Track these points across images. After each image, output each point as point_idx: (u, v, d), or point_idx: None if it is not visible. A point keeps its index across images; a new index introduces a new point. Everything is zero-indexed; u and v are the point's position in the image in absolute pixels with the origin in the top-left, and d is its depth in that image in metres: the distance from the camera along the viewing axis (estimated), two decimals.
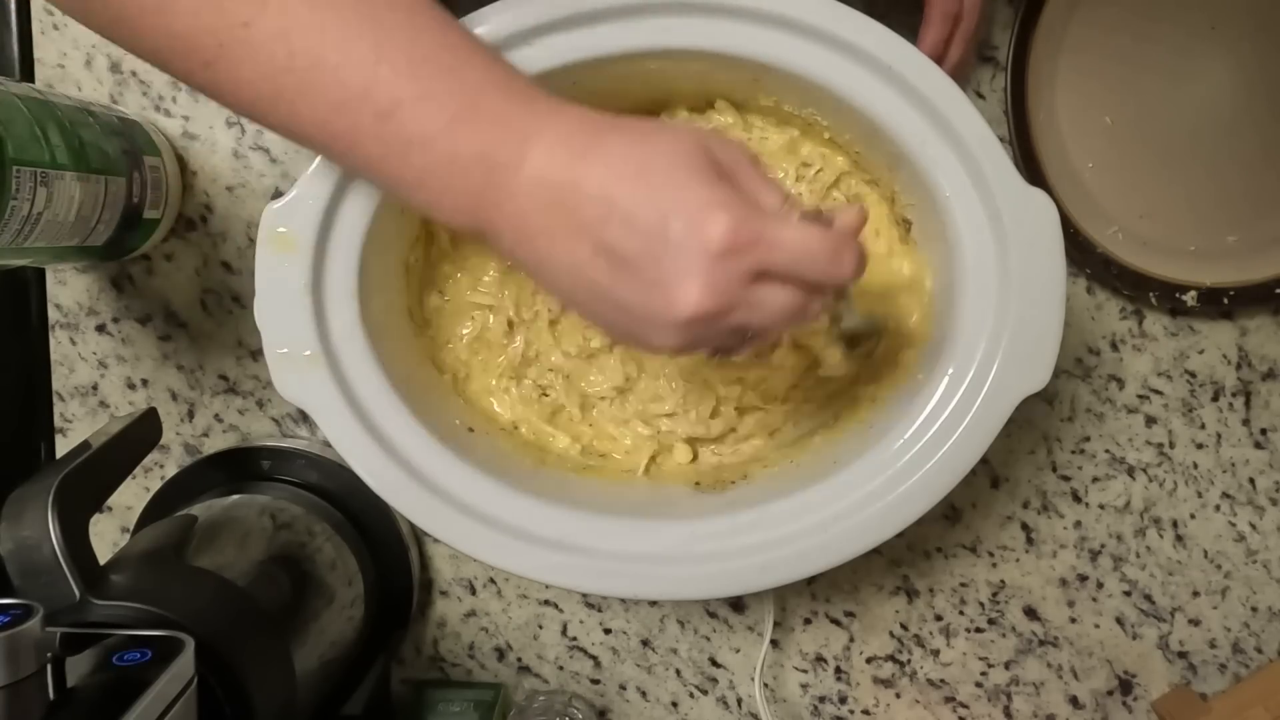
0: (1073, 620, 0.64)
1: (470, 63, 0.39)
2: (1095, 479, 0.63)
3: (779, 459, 0.54)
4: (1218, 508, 0.63)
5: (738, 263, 0.36)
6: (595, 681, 0.65)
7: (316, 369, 0.47)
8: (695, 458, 0.55)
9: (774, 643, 0.64)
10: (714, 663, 0.65)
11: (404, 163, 0.38)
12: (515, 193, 0.38)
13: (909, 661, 0.65)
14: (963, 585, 0.64)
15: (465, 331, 0.55)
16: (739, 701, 0.65)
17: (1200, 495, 0.63)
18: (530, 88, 0.40)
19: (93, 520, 0.45)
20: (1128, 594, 0.64)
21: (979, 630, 0.64)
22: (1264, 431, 0.62)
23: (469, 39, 0.40)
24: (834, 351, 0.52)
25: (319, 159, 0.46)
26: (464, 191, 0.38)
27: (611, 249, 0.37)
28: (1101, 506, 0.63)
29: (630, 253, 0.36)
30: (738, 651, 0.65)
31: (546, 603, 0.64)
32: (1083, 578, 0.64)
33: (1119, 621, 0.64)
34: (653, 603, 0.64)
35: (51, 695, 0.37)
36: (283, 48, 0.37)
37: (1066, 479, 0.63)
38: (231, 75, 0.38)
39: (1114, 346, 0.62)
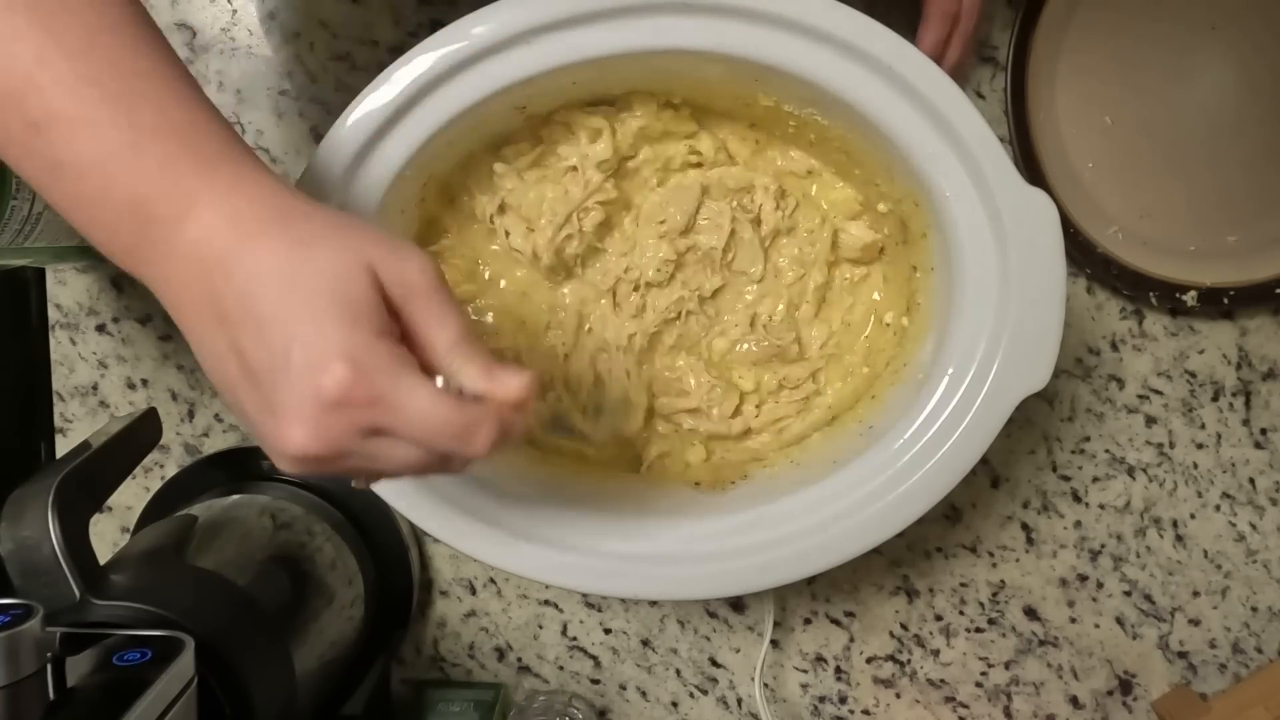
0: (1073, 620, 0.64)
1: (153, 99, 0.36)
2: (1095, 479, 0.63)
3: (779, 459, 0.54)
4: (1218, 508, 0.63)
5: (346, 417, 0.33)
6: (595, 681, 0.65)
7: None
8: (708, 457, 0.55)
9: (774, 643, 0.64)
10: (714, 663, 0.65)
11: (54, 184, 0.36)
12: (169, 256, 0.35)
13: (909, 661, 0.65)
14: (963, 585, 0.64)
15: None
16: (739, 701, 0.65)
17: (1200, 495, 0.63)
18: (222, 145, 0.36)
19: (93, 520, 0.45)
20: (1128, 594, 0.64)
21: (979, 630, 0.64)
22: (1264, 431, 0.62)
23: (171, 76, 0.37)
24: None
25: (318, 158, 0.46)
26: (116, 234, 0.36)
27: (242, 354, 0.34)
28: (1101, 506, 0.63)
29: (256, 365, 0.34)
30: (738, 651, 0.65)
31: (546, 603, 0.64)
32: (1083, 578, 0.64)
33: (1119, 621, 0.64)
34: (653, 603, 0.64)
35: (51, 695, 0.37)
36: None
37: (1066, 479, 0.63)
38: None
39: (1114, 346, 0.62)
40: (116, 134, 0.35)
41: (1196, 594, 0.64)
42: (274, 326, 0.34)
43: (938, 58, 0.54)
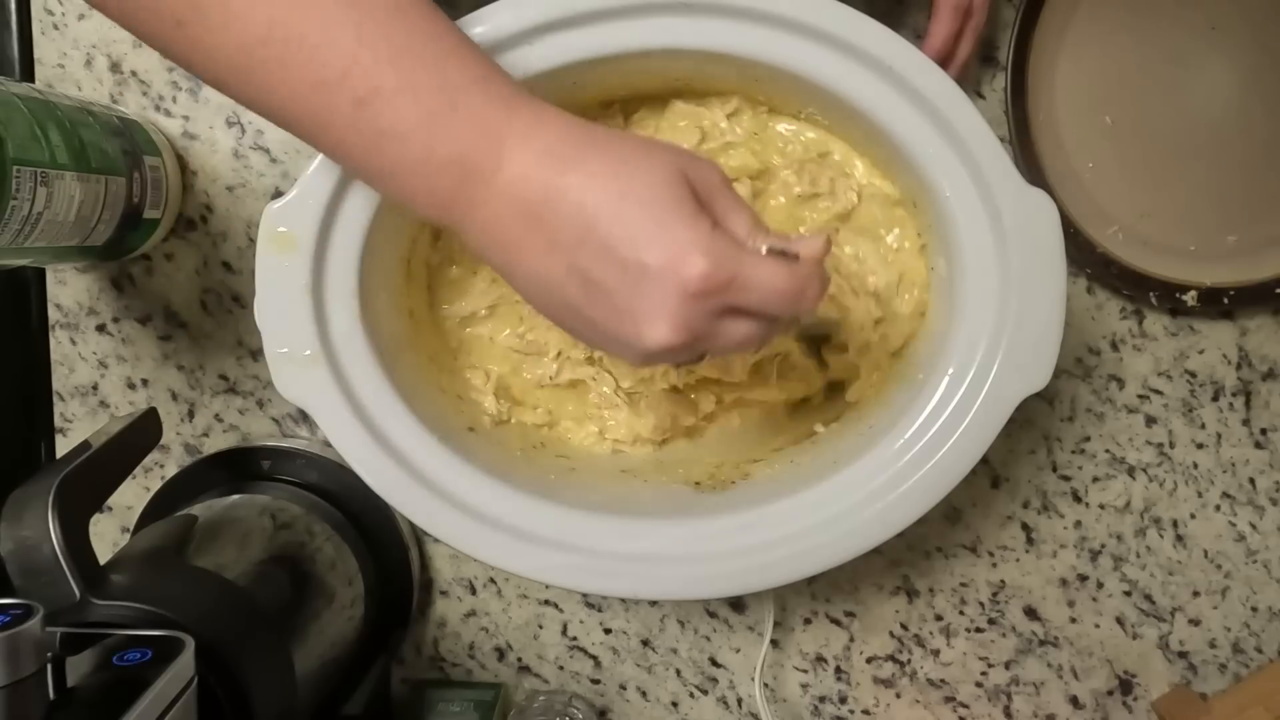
0: (1073, 620, 0.64)
1: (454, 57, 0.38)
2: (1095, 479, 0.63)
3: (779, 459, 0.54)
4: (1218, 508, 0.63)
5: (709, 303, 0.37)
6: (595, 681, 0.65)
7: (316, 369, 0.47)
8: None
9: (774, 643, 0.64)
10: (714, 663, 0.65)
11: (378, 153, 0.38)
12: (489, 199, 0.38)
13: (909, 661, 0.65)
14: (963, 585, 0.64)
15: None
16: (739, 701, 0.65)
17: (1200, 495, 0.63)
18: (513, 89, 0.39)
19: (93, 520, 0.45)
20: (1128, 594, 0.64)
21: (979, 630, 0.64)
22: (1264, 431, 0.62)
23: (454, 33, 0.39)
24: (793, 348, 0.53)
25: (320, 158, 0.46)
26: (437, 190, 0.38)
27: (586, 273, 0.37)
28: (1101, 506, 0.63)
29: (604, 280, 0.37)
30: (738, 651, 0.65)
31: (546, 603, 0.64)
32: (1083, 578, 0.64)
33: (1119, 621, 0.64)
34: (653, 603, 0.64)
35: (51, 695, 0.37)
36: (263, 16, 0.36)
37: (1066, 479, 0.63)
38: (205, 40, 0.37)
39: (1114, 346, 0.62)
40: (434, 97, 0.37)
41: (1196, 594, 0.64)
42: (621, 240, 0.36)
43: (949, 53, 0.54)
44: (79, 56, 0.60)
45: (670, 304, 0.36)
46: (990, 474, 0.63)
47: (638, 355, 0.38)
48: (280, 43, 0.36)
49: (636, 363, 0.39)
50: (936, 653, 0.65)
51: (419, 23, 0.38)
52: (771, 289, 0.38)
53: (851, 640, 0.65)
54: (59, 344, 0.63)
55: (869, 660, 0.65)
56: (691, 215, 0.37)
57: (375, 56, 0.36)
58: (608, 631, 0.65)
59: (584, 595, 0.64)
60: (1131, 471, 0.63)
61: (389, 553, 0.61)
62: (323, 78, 0.37)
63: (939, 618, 0.64)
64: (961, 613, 0.64)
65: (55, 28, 0.60)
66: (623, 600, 0.64)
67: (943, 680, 0.65)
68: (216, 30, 0.37)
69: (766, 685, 0.65)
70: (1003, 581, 0.64)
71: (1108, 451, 0.63)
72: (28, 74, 0.60)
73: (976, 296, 0.47)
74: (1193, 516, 0.63)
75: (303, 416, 0.63)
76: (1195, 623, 0.64)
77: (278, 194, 0.59)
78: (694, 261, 0.36)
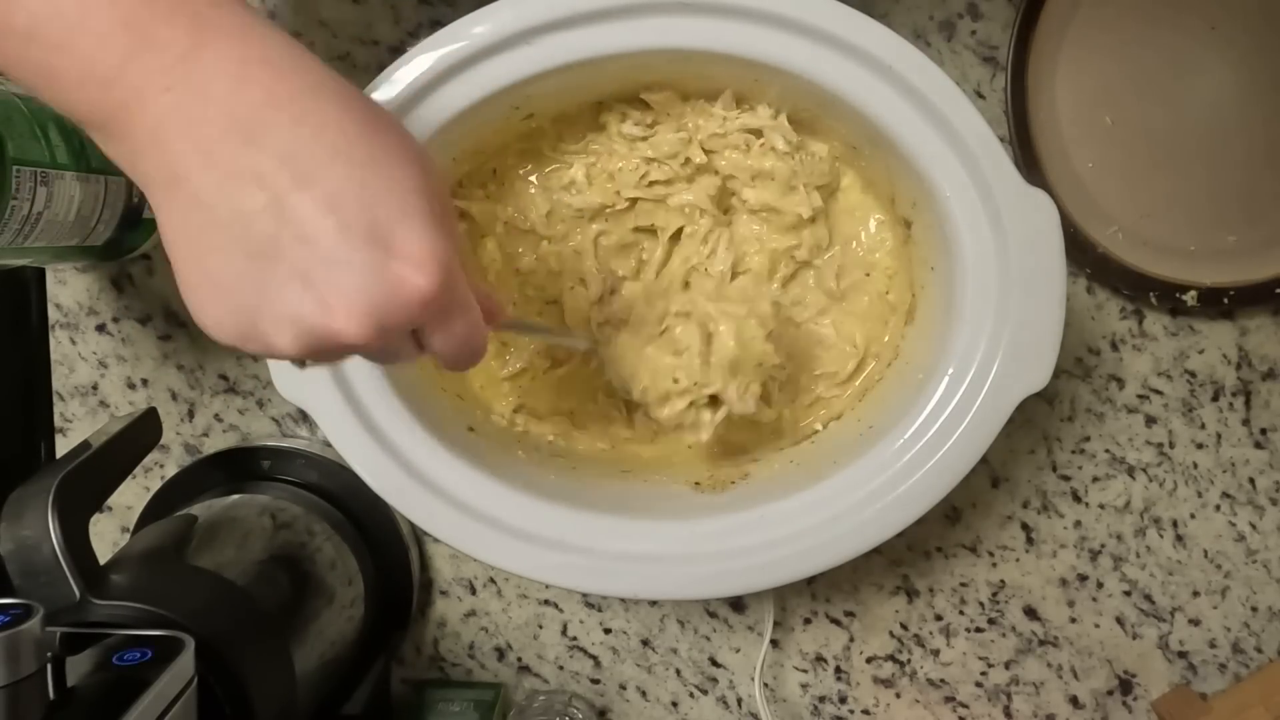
0: (1073, 620, 0.64)
1: None
2: (1095, 479, 0.63)
3: (779, 459, 0.54)
4: (1218, 508, 0.63)
5: (413, 318, 0.33)
6: (595, 681, 0.65)
7: (316, 369, 0.47)
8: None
9: (774, 643, 0.64)
10: (714, 663, 0.65)
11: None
12: (178, 78, 0.31)
13: (909, 661, 0.65)
14: (963, 585, 0.64)
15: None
16: (739, 701, 0.65)
17: (1200, 495, 0.63)
18: None
19: (93, 520, 0.45)
20: (1128, 594, 0.64)
21: (979, 630, 0.64)
22: (1264, 431, 0.62)
23: None
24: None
25: None
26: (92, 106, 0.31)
27: (290, 212, 0.30)
28: (1101, 506, 0.63)
29: (311, 230, 0.30)
30: (738, 651, 0.65)
31: (546, 603, 0.64)
32: (1083, 577, 0.64)
33: (1119, 621, 0.64)
34: (653, 603, 0.64)
35: (51, 695, 0.37)
36: None
37: (1066, 479, 0.63)
38: None
39: (1114, 346, 0.62)
40: None
41: (1196, 594, 0.64)
42: (354, 198, 0.30)
43: None
44: None
45: (376, 298, 0.30)
46: (990, 474, 0.63)
47: (308, 334, 0.31)
48: None
49: (281, 343, 0.31)
50: (936, 653, 0.65)
51: None
52: (464, 334, 0.34)
53: (851, 640, 0.65)
54: (59, 344, 0.63)
55: (869, 660, 0.65)
56: (439, 219, 0.32)
57: None
58: (608, 631, 0.65)
59: (584, 595, 0.64)
60: (1131, 471, 0.63)
61: (389, 553, 0.61)
62: None
63: (939, 618, 0.64)
64: (961, 613, 0.64)
65: None
66: (623, 600, 0.64)
67: (943, 680, 0.65)
68: None
69: (766, 685, 0.65)
70: (1003, 581, 0.64)
71: (1108, 451, 0.63)
72: None
73: (976, 296, 0.47)
74: (1193, 516, 0.63)
75: (303, 416, 0.63)
76: (1195, 623, 0.64)
77: None
78: (428, 272, 0.31)
